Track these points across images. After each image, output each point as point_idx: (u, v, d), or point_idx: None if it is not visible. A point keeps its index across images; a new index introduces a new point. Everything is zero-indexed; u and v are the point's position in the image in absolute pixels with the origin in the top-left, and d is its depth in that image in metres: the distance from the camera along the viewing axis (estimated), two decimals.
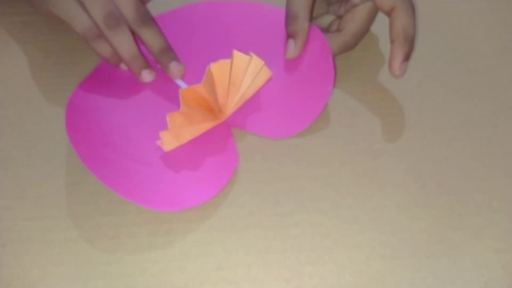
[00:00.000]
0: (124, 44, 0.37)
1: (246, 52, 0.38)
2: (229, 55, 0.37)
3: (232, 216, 0.35)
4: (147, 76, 0.39)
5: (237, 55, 0.37)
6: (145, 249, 0.34)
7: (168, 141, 0.37)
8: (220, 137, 0.38)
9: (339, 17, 0.42)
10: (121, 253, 0.34)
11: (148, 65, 0.39)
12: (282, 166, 0.37)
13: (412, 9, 0.38)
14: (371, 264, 0.33)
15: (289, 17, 0.39)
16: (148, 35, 0.38)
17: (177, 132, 0.36)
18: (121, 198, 0.36)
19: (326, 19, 0.43)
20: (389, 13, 0.38)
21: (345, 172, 0.37)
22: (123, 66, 0.40)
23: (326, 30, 0.43)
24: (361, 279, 0.32)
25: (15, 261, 0.33)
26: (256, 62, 0.38)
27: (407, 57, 0.38)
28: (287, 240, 0.34)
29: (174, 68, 0.39)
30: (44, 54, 0.44)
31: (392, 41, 0.38)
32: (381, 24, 0.45)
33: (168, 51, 0.39)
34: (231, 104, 0.39)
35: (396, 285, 0.32)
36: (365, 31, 0.41)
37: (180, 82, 0.40)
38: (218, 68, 0.36)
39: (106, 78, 0.41)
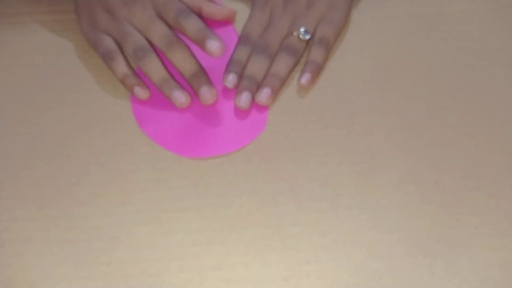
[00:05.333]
0: (153, 70, 0.40)
1: None
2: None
3: (231, 216, 0.35)
4: (179, 96, 0.39)
5: None
6: (144, 249, 0.34)
7: None
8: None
9: None
10: (120, 253, 0.34)
11: (179, 86, 0.40)
12: (280, 167, 0.37)
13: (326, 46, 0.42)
14: (368, 263, 0.33)
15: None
16: (177, 59, 0.40)
17: None
18: (121, 199, 0.36)
19: None
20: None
21: (342, 172, 0.37)
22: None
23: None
24: (358, 278, 0.33)
25: (15, 262, 0.34)
26: None
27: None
28: (285, 239, 0.34)
29: (205, 93, 0.39)
30: (44, 55, 0.44)
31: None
32: (378, 24, 0.45)
33: (199, 75, 0.40)
34: None
35: (394, 284, 0.32)
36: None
37: None
38: None
39: None
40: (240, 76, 0.41)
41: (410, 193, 0.36)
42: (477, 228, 0.35)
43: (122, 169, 0.37)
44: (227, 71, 0.41)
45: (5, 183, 0.37)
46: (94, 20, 0.42)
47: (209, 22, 0.46)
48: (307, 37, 0.42)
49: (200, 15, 0.45)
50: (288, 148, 0.38)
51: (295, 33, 0.42)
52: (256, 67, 0.41)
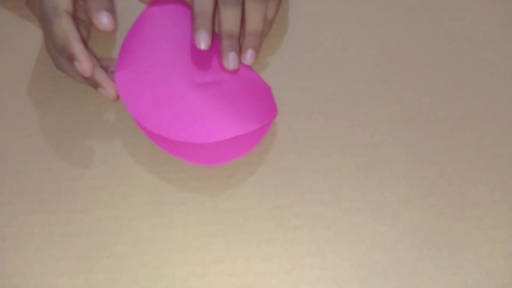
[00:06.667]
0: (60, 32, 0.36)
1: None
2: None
3: (232, 208, 0.35)
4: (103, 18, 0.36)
5: None
6: (146, 242, 0.34)
7: None
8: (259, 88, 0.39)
9: None
10: (122, 247, 0.34)
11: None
12: (282, 159, 0.37)
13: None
14: (372, 256, 0.33)
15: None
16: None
17: None
18: (121, 192, 0.36)
19: None
20: None
21: (345, 164, 0.37)
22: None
23: None
24: (362, 271, 0.32)
25: (16, 256, 0.33)
26: None
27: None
28: (287, 232, 0.34)
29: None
30: (43, 49, 0.44)
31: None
32: (381, 15, 0.45)
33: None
34: None
35: (397, 276, 0.32)
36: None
37: None
38: None
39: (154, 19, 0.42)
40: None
41: (413, 185, 0.36)
42: (481, 220, 0.34)
43: (122, 162, 0.37)
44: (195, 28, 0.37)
45: (6, 178, 0.37)
46: None
47: None
48: None
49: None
50: (290, 140, 0.38)
51: None
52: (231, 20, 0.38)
